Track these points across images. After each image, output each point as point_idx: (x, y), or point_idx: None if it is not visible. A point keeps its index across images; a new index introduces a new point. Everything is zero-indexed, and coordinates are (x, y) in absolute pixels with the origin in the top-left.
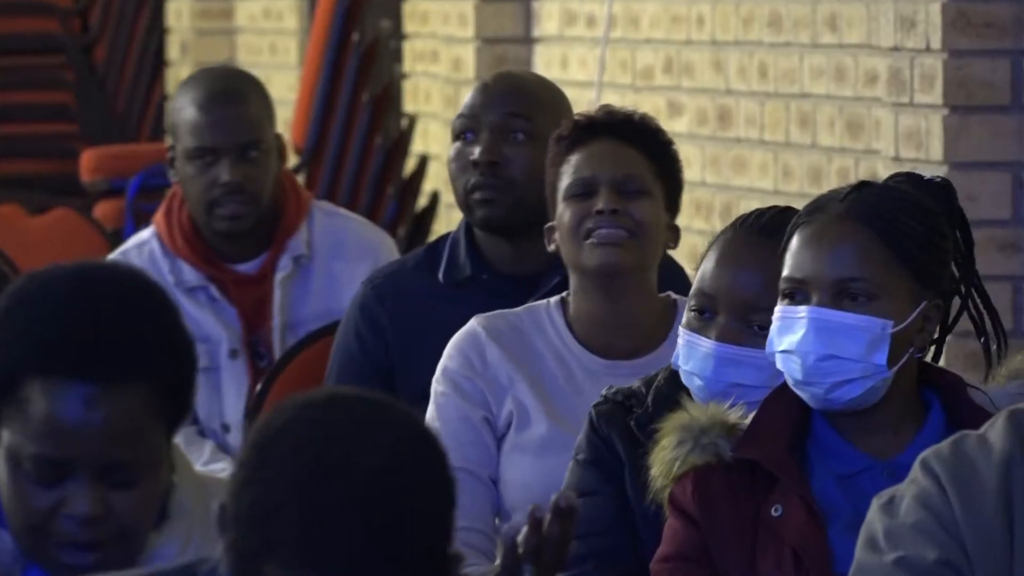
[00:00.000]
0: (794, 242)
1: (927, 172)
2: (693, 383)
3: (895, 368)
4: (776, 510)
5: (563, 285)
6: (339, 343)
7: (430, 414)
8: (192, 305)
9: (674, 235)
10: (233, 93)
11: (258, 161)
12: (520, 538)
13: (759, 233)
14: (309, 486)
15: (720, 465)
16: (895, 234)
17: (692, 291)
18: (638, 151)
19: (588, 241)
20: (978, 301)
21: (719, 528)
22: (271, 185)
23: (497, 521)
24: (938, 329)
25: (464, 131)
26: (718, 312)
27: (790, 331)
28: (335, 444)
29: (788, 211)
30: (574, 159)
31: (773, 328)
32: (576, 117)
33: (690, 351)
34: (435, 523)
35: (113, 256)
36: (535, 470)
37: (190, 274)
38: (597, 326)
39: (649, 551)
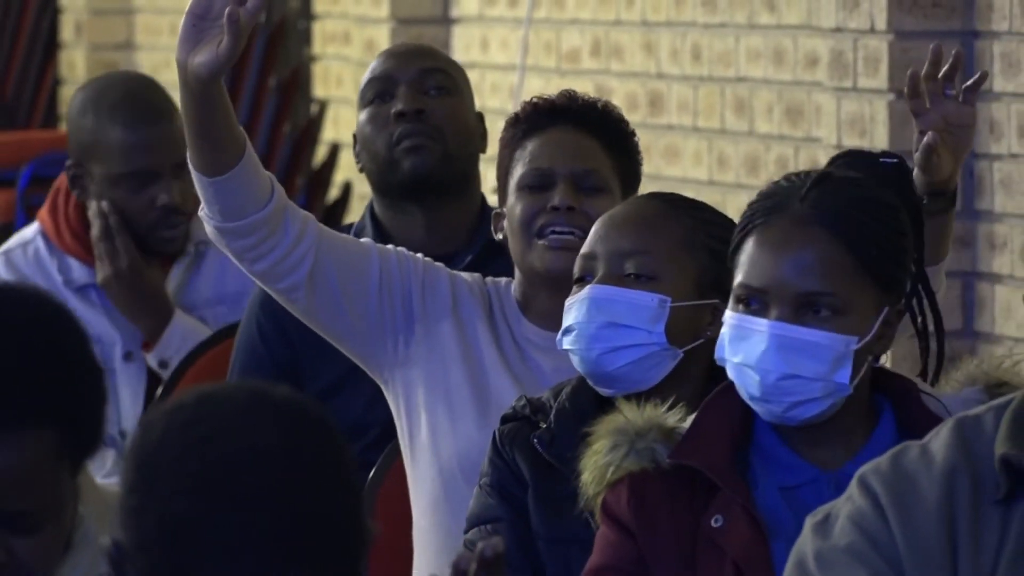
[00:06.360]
0: (750, 245)
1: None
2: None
3: (855, 383)
4: (716, 521)
5: (474, 265)
6: (241, 342)
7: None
8: (83, 305)
9: None
10: (160, 108)
11: (190, 178)
12: None
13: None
14: (210, 489)
15: (657, 472)
16: (860, 240)
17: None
18: (599, 143)
19: (540, 241)
20: (924, 300)
21: (657, 539)
22: None
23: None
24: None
25: (377, 95)
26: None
27: (747, 343)
28: (221, 438)
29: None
30: (530, 146)
31: (724, 335)
32: (535, 100)
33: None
34: (344, 486)
35: None
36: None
37: (79, 271)
38: (548, 317)
39: None
